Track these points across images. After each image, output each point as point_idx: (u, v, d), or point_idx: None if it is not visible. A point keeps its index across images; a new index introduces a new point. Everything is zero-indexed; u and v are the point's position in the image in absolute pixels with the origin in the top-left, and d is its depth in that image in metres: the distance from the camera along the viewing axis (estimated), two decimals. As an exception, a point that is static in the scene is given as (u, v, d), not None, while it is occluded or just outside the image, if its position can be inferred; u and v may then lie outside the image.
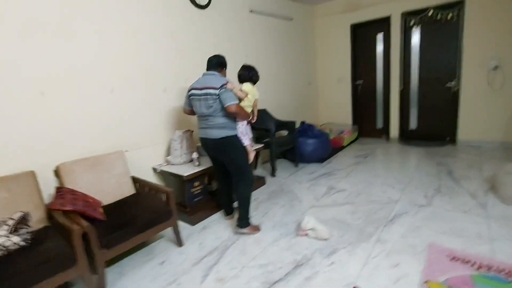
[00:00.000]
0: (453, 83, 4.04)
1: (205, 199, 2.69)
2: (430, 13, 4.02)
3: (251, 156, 2.25)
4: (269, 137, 3.32)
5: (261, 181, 3.22)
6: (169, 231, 2.16)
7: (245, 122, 2.20)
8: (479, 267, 1.63)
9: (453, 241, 1.91)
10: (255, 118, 2.28)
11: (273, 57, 4.18)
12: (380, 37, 4.61)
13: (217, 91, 2.00)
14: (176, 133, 2.63)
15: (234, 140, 2.15)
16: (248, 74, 2.19)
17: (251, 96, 2.15)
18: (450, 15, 3.89)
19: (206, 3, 3.10)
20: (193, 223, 2.45)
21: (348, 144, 4.67)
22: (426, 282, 1.56)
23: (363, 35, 4.77)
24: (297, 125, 4.08)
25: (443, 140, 4.28)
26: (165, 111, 2.77)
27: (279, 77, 4.33)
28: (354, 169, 3.49)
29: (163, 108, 2.75)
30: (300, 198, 2.81)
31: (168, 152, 2.75)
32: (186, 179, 2.38)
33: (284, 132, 3.94)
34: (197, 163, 2.53)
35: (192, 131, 2.76)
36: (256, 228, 2.27)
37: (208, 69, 2.20)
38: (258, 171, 3.67)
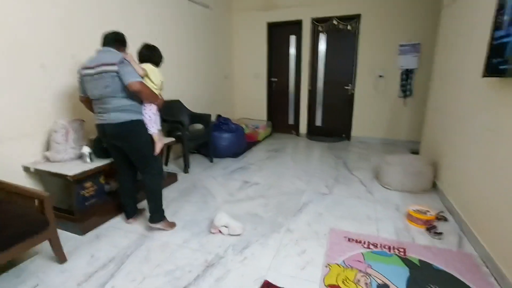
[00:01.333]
0: (350, 86, 4.64)
1: (101, 202, 2.26)
2: (334, 22, 4.49)
3: (158, 146, 1.99)
4: (182, 130, 3.07)
5: (172, 178, 2.95)
6: (46, 246, 1.70)
7: (153, 107, 1.95)
8: (368, 245, 1.87)
9: (349, 224, 2.14)
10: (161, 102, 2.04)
11: (187, 44, 3.89)
12: (293, 38, 4.90)
13: (115, 67, 1.68)
14: (58, 122, 2.11)
15: (138, 126, 1.87)
16: (148, 54, 1.99)
17: (154, 77, 1.95)
18: (349, 26, 4.44)
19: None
20: (83, 232, 2.02)
21: (263, 139, 4.82)
22: (328, 265, 1.68)
23: (278, 34, 4.98)
24: (213, 118, 3.94)
25: (340, 136, 4.89)
26: (44, 93, 2.18)
27: (194, 67, 4.08)
28: (266, 163, 3.60)
29: (41, 90, 2.15)
30: (214, 194, 2.70)
31: (48, 147, 2.19)
32: (73, 179, 1.93)
33: (199, 126, 3.74)
34: (88, 159, 2.09)
35: (84, 121, 2.28)
36: (172, 224, 2.10)
37: (103, 45, 1.84)
38: (170, 167, 3.37)
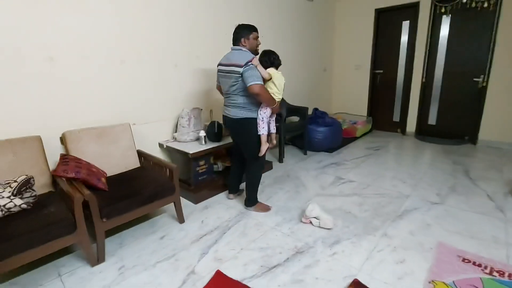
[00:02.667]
0: (480, 78, 3.78)
1: (210, 178, 2.65)
2: (464, 0, 3.72)
3: (263, 148, 2.08)
4: (280, 122, 3.22)
5: (268, 166, 3.16)
6: (171, 208, 2.15)
7: (268, 110, 2.02)
8: (492, 271, 1.54)
9: (465, 243, 1.81)
10: (280, 109, 2.14)
11: (289, 39, 4.00)
12: (406, 24, 4.34)
13: (241, 69, 1.87)
14: (184, 110, 2.57)
15: (249, 124, 2.04)
16: (269, 59, 2.04)
17: (277, 82, 1.99)
18: (486, 3, 3.60)
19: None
20: (196, 201, 2.43)
21: (361, 136, 4.52)
22: (432, 281, 1.48)
23: (387, 21, 4.50)
24: (310, 112, 3.95)
25: (462, 139, 4.07)
26: (175, 87, 2.70)
27: (294, 61, 4.17)
28: (364, 161, 3.37)
29: (174, 84, 2.68)
30: (306, 185, 2.74)
31: (176, 129, 2.70)
32: (192, 157, 2.34)
33: (295, 118, 3.82)
34: (203, 142, 2.48)
35: (201, 109, 2.70)
36: (265, 208, 2.27)
37: (233, 43, 2.07)
38: (267, 155, 3.59)
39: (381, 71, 4.72)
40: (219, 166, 2.82)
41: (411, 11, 4.19)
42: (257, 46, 2.08)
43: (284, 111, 3.49)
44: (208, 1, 2.84)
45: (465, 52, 3.89)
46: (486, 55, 3.69)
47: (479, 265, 1.59)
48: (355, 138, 4.34)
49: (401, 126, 4.64)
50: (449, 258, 1.67)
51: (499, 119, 3.71)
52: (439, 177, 2.84)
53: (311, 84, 4.62)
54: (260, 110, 2.03)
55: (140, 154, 2.31)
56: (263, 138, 2.06)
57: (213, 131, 2.56)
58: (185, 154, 2.36)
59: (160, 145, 2.63)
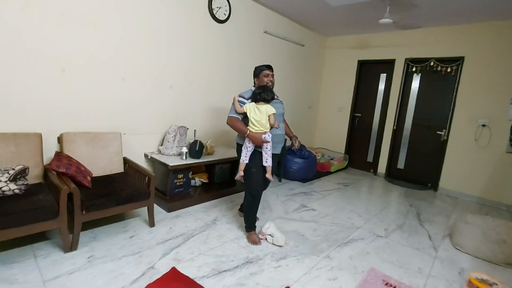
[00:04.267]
0: (443, 132, 4.25)
1: (186, 191, 2.93)
2: (431, 64, 4.30)
3: (239, 173, 2.26)
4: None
5: (242, 188, 3.44)
6: (145, 212, 2.40)
7: (252, 145, 2.21)
8: (406, 295, 1.81)
9: (393, 270, 2.08)
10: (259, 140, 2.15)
11: (280, 78, 4.48)
12: (383, 76, 4.90)
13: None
14: (172, 127, 2.91)
15: (237, 149, 2.37)
16: (259, 94, 2.16)
17: (251, 115, 2.13)
18: (450, 69, 4.16)
19: (225, 18, 3.45)
20: (168, 210, 2.68)
21: (336, 171, 4.87)
22: (354, 297, 1.74)
23: (368, 71, 5.06)
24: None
25: (425, 185, 4.44)
26: (168, 106, 3.07)
27: (283, 97, 4.61)
28: (331, 194, 3.69)
29: (166, 103, 3.05)
30: (272, 208, 3.02)
31: (162, 143, 3.02)
32: (171, 169, 2.64)
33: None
34: (184, 157, 2.79)
35: (187, 128, 3.04)
36: (254, 240, 2.26)
37: None
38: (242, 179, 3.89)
39: (360, 114, 5.20)
40: (197, 181, 3.11)
41: (388, 66, 4.76)
42: (267, 83, 2.27)
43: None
44: (207, 38, 3.31)
45: (431, 108, 4.39)
46: (448, 112, 4.18)
47: (397, 289, 1.86)
48: (330, 173, 4.69)
49: (373, 166, 5.03)
50: (375, 280, 1.93)
51: (457, 171, 4.11)
52: (392, 216, 3.15)
53: (296, 119, 5.05)
54: (246, 139, 2.21)
55: (126, 161, 2.60)
56: (241, 166, 2.25)
57: (195, 149, 2.88)
58: (165, 165, 2.66)
59: (145, 155, 2.93)
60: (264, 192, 3.48)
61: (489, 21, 3.72)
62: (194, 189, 3.09)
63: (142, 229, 2.33)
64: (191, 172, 2.99)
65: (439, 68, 4.25)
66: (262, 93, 2.16)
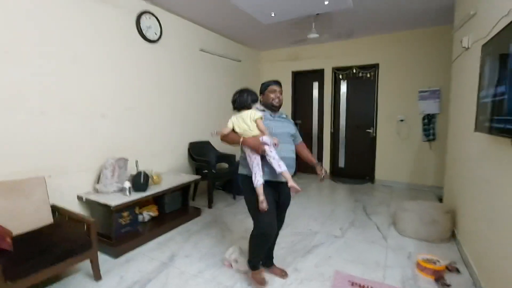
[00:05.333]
0: (371, 130, 4.77)
1: (134, 230, 2.63)
2: (354, 71, 4.82)
3: (261, 203, 1.72)
4: (208, 169, 3.44)
5: (197, 212, 3.26)
6: (87, 265, 2.06)
7: (257, 156, 1.77)
8: (371, 291, 1.91)
9: (356, 268, 2.19)
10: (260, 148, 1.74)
11: (221, 94, 4.46)
12: (316, 84, 5.30)
13: None
14: (108, 160, 2.60)
15: (242, 180, 1.90)
16: (235, 101, 1.85)
17: (236, 126, 1.81)
18: (368, 74, 4.72)
19: (156, 38, 3.29)
20: (116, 255, 2.36)
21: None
22: (327, 306, 1.76)
23: (302, 81, 5.42)
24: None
25: (364, 179, 4.90)
26: (101, 137, 2.74)
27: (226, 113, 4.59)
28: (286, 203, 3.76)
29: (99, 134, 2.72)
30: (232, 229, 2.93)
31: (99, 180, 2.67)
32: (114, 209, 2.34)
33: (225, 165, 4.11)
34: (128, 193, 2.51)
35: (127, 160, 2.76)
36: (259, 280, 1.95)
37: None
38: (196, 202, 3.71)
39: (300, 121, 5.50)
40: (145, 216, 2.83)
41: (318, 75, 5.17)
42: (272, 99, 1.91)
43: (213, 159, 3.75)
44: (139, 60, 3.10)
45: (359, 109, 4.90)
46: (372, 112, 4.72)
47: (362, 287, 1.96)
48: (280, 181, 4.80)
49: (318, 169, 5.33)
50: (342, 283, 2.01)
51: (387, 162, 4.65)
52: (343, 214, 3.36)
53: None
54: (249, 159, 1.80)
55: (55, 208, 2.21)
56: (259, 189, 1.73)
57: (140, 181, 2.62)
58: (106, 206, 2.34)
59: (79, 198, 2.54)
60: (220, 213, 3.41)
61: (397, 31, 4.35)
62: (143, 225, 2.80)
63: (87, 286, 1.98)
64: (137, 208, 2.70)
65: (360, 74, 4.79)
66: (238, 98, 1.81)
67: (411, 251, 2.45)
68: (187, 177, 3.21)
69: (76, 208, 2.50)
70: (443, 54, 3.89)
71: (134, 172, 2.73)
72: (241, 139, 1.77)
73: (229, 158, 3.92)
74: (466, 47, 2.50)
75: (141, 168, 2.83)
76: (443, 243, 2.60)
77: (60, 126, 2.41)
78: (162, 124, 3.42)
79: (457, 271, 2.12)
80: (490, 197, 1.78)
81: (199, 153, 3.67)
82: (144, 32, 3.11)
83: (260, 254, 1.97)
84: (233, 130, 1.83)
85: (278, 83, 1.97)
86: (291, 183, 1.72)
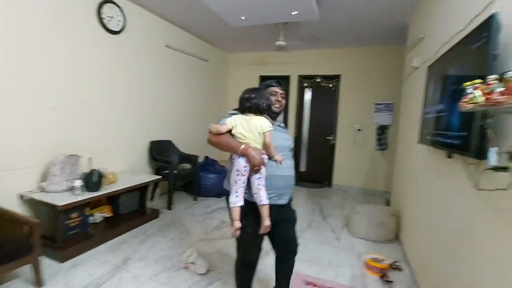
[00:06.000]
0: (331, 137, 5.03)
1: (83, 232, 2.45)
2: (318, 80, 5.05)
3: (234, 225, 1.38)
4: (169, 169, 3.34)
5: (154, 214, 3.14)
6: (28, 270, 1.87)
7: (240, 164, 1.37)
8: (323, 289, 2.02)
9: (311, 268, 2.30)
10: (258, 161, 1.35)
11: (186, 92, 4.37)
12: (281, 91, 5.43)
13: None
14: (57, 157, 2.40)
15: (226, 197, 1.48)
16: (247, 100, 1.44)
17: (240, 130, 1.40)
18: (331, 84, 4.99)
19: (119, 29, 3.12)
20: (62, 259, 2.17)
21: (249, 181, 5.05)
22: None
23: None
24: (202, 159, 4.24)
25: (323, 183, 5.14)
26: (50, 132, 2.51)
27: (190, 112, 4.51)
28: (248, 205, 3.80)
29: (47, 128, 2.49)
30: (190, 231, 2.87)
31: (45, 177, 2.44)
32: (61, 209, 2.15)
33: (187, 165, 4.02)
34: (78, 192, 2.33)
35: (80, 157, 2.57)
36: None
37: None
38: (155, 203, 3.57)
39: (265, 125, 5.59)
40: (96, 217, 2.66)
41: (285, 81, 5.32)
42: (273, 104, 1.55)
43: (175, 159, 3.65)
44: (98, 51, 2.91)
45: (321, 117, 5.15)
46: (333, 120, 4.99)
47: (316, 285, 2.06)
48: (243, 183, 4.83)
49: (281, 172, 5.48)
50: (298, 283, 2.09)
51: (344, 168, 4.94)
52: (302, 216, 3.49)
53: (205, 133, 4.99)
54: (237, 161, 1.38)
55: (-10, 208, 1.97)
56: (234, 213, 1.38)
57: (92, 180, 2.45)
58: (52, 206, 2.15)
59: (22, 197, 2.30)
60: (180, 215, 3.33)
61: (358, 46, 4.65)
62: (95, 227, 2.62)
63: (24, 294, 1.80)
64: (88, 208, 2.53)
65: (324, 84, 5.04)
66: (253, 99, 1.41)
67: (361, 251, 2.64)
68: (146, 177, 3.09)
69: (17, 208, 2.26)
70: (397, 71, 4.26)
71: (87, 171, 2.55)
72: (243, 147, 1.35)
73: (191, 158, 3.85)
74: (416, 66, 2.78)
75: (96, 166, 2.65)
76: (389, 243, 2.84)
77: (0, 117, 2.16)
78: (121, 120, 3.24)
79: (399, 269, 2.33)
80: (428, 202, 2.00)
81: (160, 152, 3.55)
82: (105, 22, 2.93)
83: (242, 284, 1.67)
84: (229, 132, 1.42)
85: (279, 83, 1.62)
86: (267, 222, 1.37)
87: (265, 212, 1.38)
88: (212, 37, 4.59)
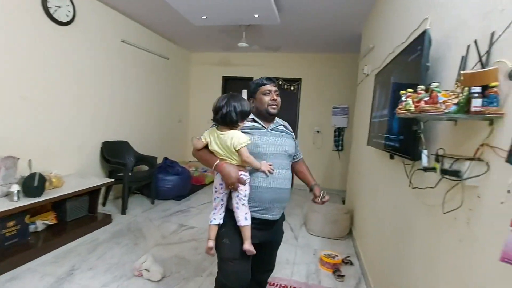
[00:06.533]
0: (292, 138, 5.18)
1: (23, 242, 2.21)
2: (280, 83, 5.17)
3: (209, 249, 1.32)
4: (124, 171, 3.16)
5: (106, 219, 2.94)
6: None
7: (216, 181, 1.31)
8: (280, 286, 2.07)
9: (268, 268, 2.33)
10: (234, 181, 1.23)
11: (145, 90, 4.17)
12: (245, 92, 5.45)
13: None
14: (-10, 159, 2.13)
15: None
16: (216, 110, 1.26)
17: (214, 147, 1.26)
18: (292, 87, 5.14)
19: (68, 20, 2.87)
20: (-7, 274, 1.94)
21: (210, 183, 4.99)
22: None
23: (232, 88, 5.52)
24: (161, 160, 4.09)
25: (284, 183, 5.27)
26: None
27: (147, 110, 4.32)
28: (207, 206, 3.75)
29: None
30: (146, 236, 2.75)
31: (-27, 183, 2.15)
32: (-7, 217, 1.92)
33: (145, 167, 3.84)
34: (15, 198, 2.10)
35: (18, 158, 2.31)
36: None
37: None
38: (107, 208, 3.35)
39: (228, 126, 5.57)
40: (38, 225, 2.42)
41: (248, 82, 5.35)
42: (269, 105, 1.36)
43: (131, 160, 3.47)
44: (42, 44, 2.65)
45: (283, 118, 5.13)
46: (294, 122, 5.15)
47: (273, 284, 2.10)
48: (205, 185, 4.76)
49: (244, 173, 5.50)
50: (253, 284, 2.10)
51: (305, 168, 5.12)
52: (263, 216, 3.54)
53: (165, 134, 4.84)
54: (216, 178, 1.33)
55: None
56: (210, 231, 1.32)
57: (33, 184, 2.22)
58: (-18, 214, 1.91)
59: None
60: (135, 220, 3.16)
61: (318, 52, 4.86)
62: (36, 236, 2.38)
63: None
64: (28, 216, 2.28)
65: (286, 87, 5.17)
66: (222, 109, 1.22)
67: (316, 248, 2.75)
68: (97, 180, 2.88)
69: None
70: (352, 77, 4.53)
71: (26, 174, 2.30)
72: (217, 163, 1.24)
73: (149, 160, 3.69)
74: (366, 74, 2.98)
75: (37, 169, 2.40)
76: (343, 239, 3.01)
77: None
78: (69, 119, 2.99)
79: (351, 263, 2.48)
80: (375, 200, 2.16)
81: (114, 154, 3.34)
82: (51, 11, 2.68)
83: None
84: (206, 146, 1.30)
85: (271, 80, 1.41)
86: (247, 246, 1.24)
87: (245, 234, 1.25)
88: (173, 35, 4.45)
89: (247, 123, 1.33)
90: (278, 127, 1.44)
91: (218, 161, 1.24)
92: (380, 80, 2.12)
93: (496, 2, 0.88)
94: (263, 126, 1.37)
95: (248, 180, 1.27)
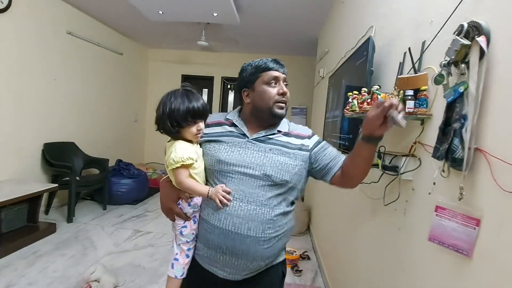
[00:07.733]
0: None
1: None
2: (240, 83, 5.18)
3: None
4: (70, 175, 2.89)
5: (49, 229, 2.67)
6: None
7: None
8: None
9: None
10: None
11: (95, 87, 3.87)
12: (205, 91, 5.37)
13: None
14: None
15: None
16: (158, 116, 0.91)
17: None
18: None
19: (2, 7, 2.55)
20: None
21: (170, 185, 4.82)
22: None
23: (192, 85, 5.38)
24: (114, 163, 3.83)
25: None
26: None
27: (101, 109, 4.02)
28: (167, 210, 3.61)
29: None
30: (97, 245, 2.55)
31: None
32: None
33: (96, 171, 3.56)
34: None
35: None
36: None
37: None
38: (51, 216, 3.04)
39: (188, 126, 5.43)
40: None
41: (208, 82, 5.27)
42: (275, 102, 0.94)
43: (79, 163, 3.20)
44: None
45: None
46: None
47: (233, 286, 2.09)
48: (164, 187, 4.57)
49: (205, 174, 5.41)
50: (214, 286, 2.08)
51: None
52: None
53: (119, 135, 4.54)
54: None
55: None
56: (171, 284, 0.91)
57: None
58: None
59: None
60: (84, 227, 2.90)
61: (278, 54, 4.95)
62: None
63: None
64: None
65: (246, 87, 5.20)
66: (162, 114, 0.89)
67: (277, 246, 2.80)
68: (37, 186, 2.59)
69: None
70: (310, 79, 4.71)
71: None
72: (162, 179, 1.00)
73: (101, 162, 3.43)
74: (322, 76, 3.13)
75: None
76: (301, 235, 3.11)
77: None
78: (2, 117, 2.65)
79: (308, 258, 2.58)
80: (329, 196, 2.27)
81: (58, 156, 3.03)
82: (-21, -5, 2.36)
83: None
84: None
85: (279, 63, 0.98)
86: None
87: None
88: (128, 29, 4.20)
89: (219, 128, 0.95)
90: (275, 137, 0.93)
91: (163, 179, 0.95)
92: (333, 83, 2.24)
93: (427, 14, 0.98)
94: (244, 134, 0.93)
95: (194, 214, 0.90)
